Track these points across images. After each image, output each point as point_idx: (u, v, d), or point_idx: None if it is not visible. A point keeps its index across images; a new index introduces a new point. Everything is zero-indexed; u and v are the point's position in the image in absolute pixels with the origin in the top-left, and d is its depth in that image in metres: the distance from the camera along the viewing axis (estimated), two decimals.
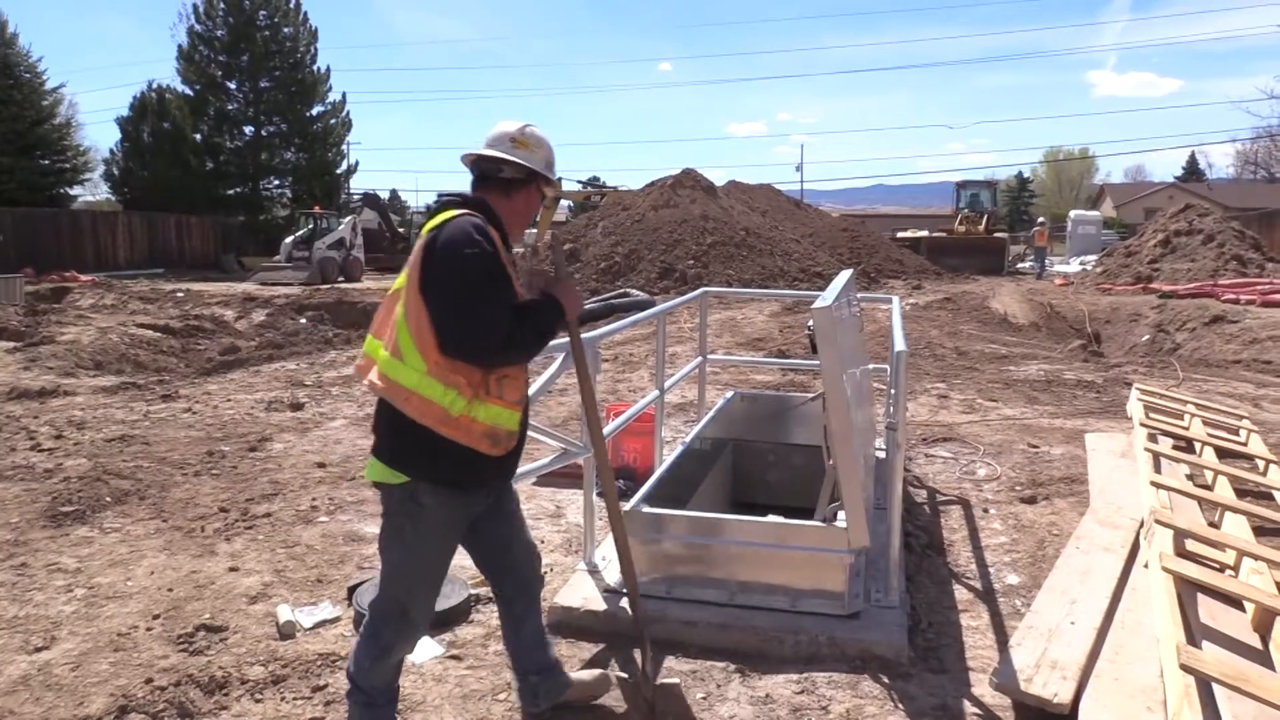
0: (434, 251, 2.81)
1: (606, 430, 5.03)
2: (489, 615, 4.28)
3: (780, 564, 4.16)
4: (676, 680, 3.52)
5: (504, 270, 2.87)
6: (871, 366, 6.77)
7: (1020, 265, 36.47)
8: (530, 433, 3.37)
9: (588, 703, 3.55)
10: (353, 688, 3.06)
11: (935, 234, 37.56)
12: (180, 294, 22.04)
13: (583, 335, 3.40)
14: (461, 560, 5.08)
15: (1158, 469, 6.00)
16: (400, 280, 2.93)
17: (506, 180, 3.01)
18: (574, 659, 3.92)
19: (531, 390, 3.29)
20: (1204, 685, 3.16)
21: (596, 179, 36.46)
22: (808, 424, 6.34)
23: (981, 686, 3.70)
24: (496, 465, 3.00)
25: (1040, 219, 44.22)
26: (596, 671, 3.68)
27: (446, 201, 3.00)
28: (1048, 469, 6.88)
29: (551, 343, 3.20)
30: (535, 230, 27.21)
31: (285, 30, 46.46)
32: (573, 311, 3.08)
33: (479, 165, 3.04)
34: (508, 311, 2.82)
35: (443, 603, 4.31)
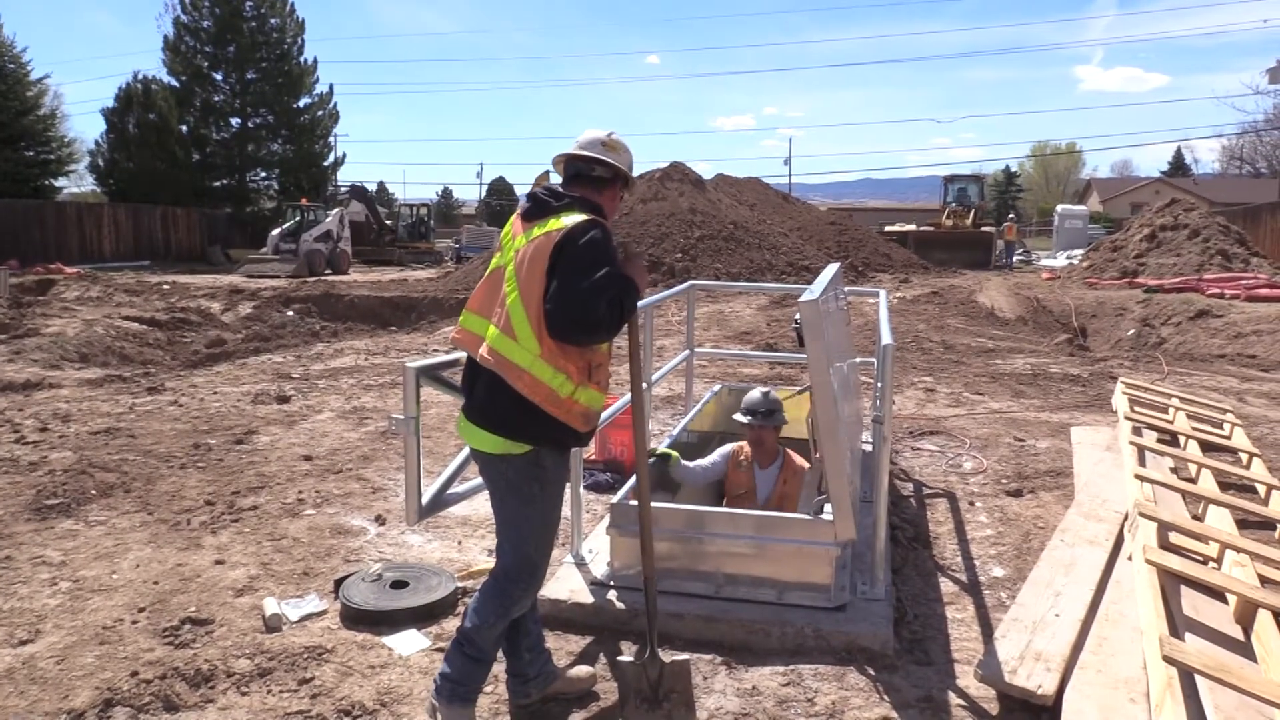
0: (567, 246, 3.05)
1: None
2: None
3: (767, 557, 4.17)
4: (687, 657, 3.54)
5: (616, 264, 3.13)
6: (859, 360, 6.78)
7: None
8: None
9: (573, 696, 3.57)
10: (466, 642, 3.24)
11: (923, 228, 37.75)
12: (166, 286, 21.93)
13: None
14: (448, 554, 5.10)
15: (1142, 462, 6.04)
16: (497, 261, 3.27)
17: (597, 179, 3.30)
18: (561, 651, 3.93)
19: None
20: (1186, 676, 3.19)
21: None
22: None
23: (966, 678, 3.72)
24: (589, 434, 3.34)
25: (1010, 215, 45.32)
26: (586, 668, 3.71)
27: (570, 203, 3.19)
28: (1033, 462, 6.92)
29: None
30: None
31: (272, 21, 46.18)
32: (642, 285, 3.27)
33: (573, 164, 3.32)
34: (609, 297, 3.06)
35: (428, 595, 4.33)
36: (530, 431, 3.12)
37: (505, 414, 3.11)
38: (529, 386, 3.07)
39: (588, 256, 3.04)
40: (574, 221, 3.10)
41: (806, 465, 5.22)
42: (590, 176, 3.31)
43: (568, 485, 3.49)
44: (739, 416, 5.26)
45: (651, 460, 4.82)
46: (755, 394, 5.31)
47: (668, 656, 3.48)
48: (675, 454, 5.19)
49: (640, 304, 5.70)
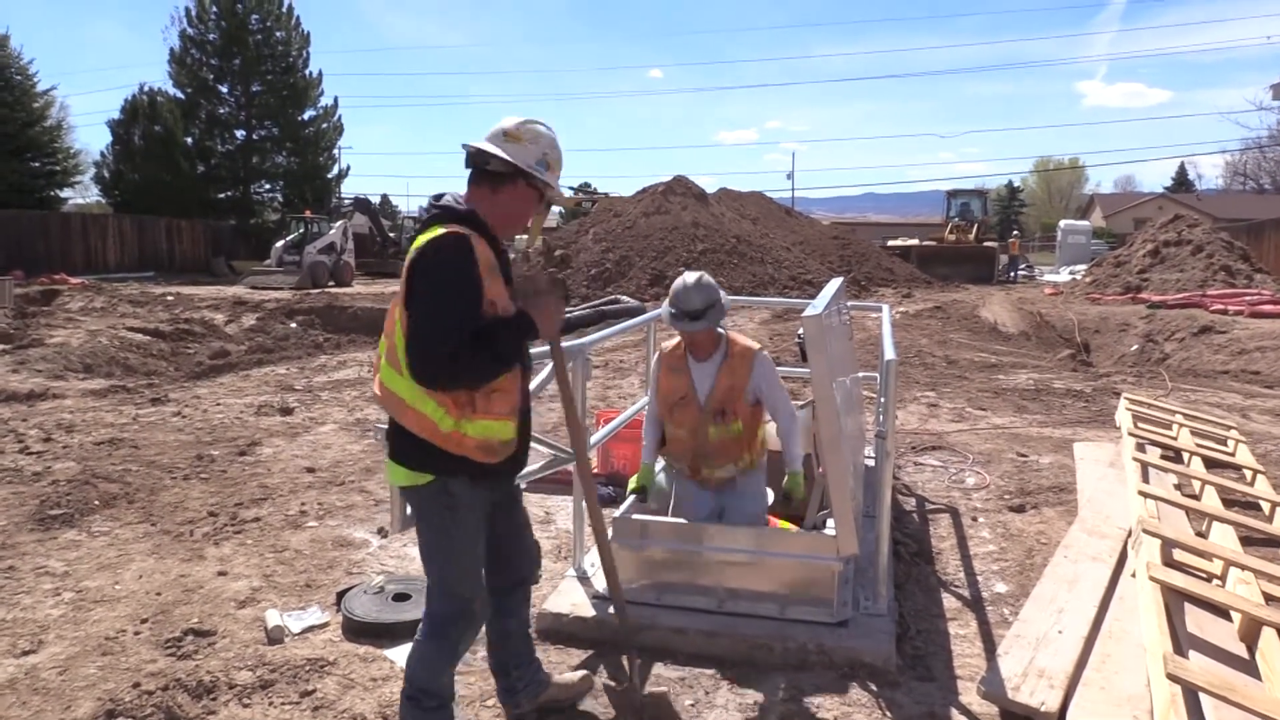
0: (415, 269, 2.77)
1: (596, 437, 5.04)
2: None
3: (769, 571, 4.17)
4: (665, 689, 3.54)
5: (473, 291, 2.76)
6: (861, 374, 6.78)
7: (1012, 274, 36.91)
8: None
9: (569, 703, 3.55)
10: (421, 697, 3.02)
11: (925, 243, 37.75)
12: (170, 297, 21.96)
13: (574, 341, 3.40)
14: None
15: (1146, 478, 6.04)
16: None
17: (493, 174, 2.90)
18: (562, 665, 3.92)
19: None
20: (1191, 695, 3.18)
21: (588, 185, 36.47)
22: None
23: (969, 695, 3.71)
24: (504, 464, 3.02)
25: (1015, 231, 46.02)
26: (579, 672, 3.68)
27: (435, 215, 2.89)
28: (1036, 478, 6.91)
29: (540, 349, 3.21)
30: (526, 236, 27.28)
31: (277, 34, 46.39)
32: (547, 330, 2.92)
33: (472, 158, 2.94)
34: (461, 334, 2.69)
35: None
36: (429, 464, 2.87)
37: (404, 446, 2.89)
38: (414, 422, 2.83)
39: (433, 282, 2.72)
40: (428, 238, 2.77)
41: (755, 345, 4.51)
42: (486, 171, 2.91)
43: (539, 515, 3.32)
44: (664, 315, 4.49)
45: (634, 495, 4.74)
46: (680, 285, 4.41)
47: (650, 686, 3.48)
48: (651, 476, 4.80)
49: (644, 317, 5.70)
